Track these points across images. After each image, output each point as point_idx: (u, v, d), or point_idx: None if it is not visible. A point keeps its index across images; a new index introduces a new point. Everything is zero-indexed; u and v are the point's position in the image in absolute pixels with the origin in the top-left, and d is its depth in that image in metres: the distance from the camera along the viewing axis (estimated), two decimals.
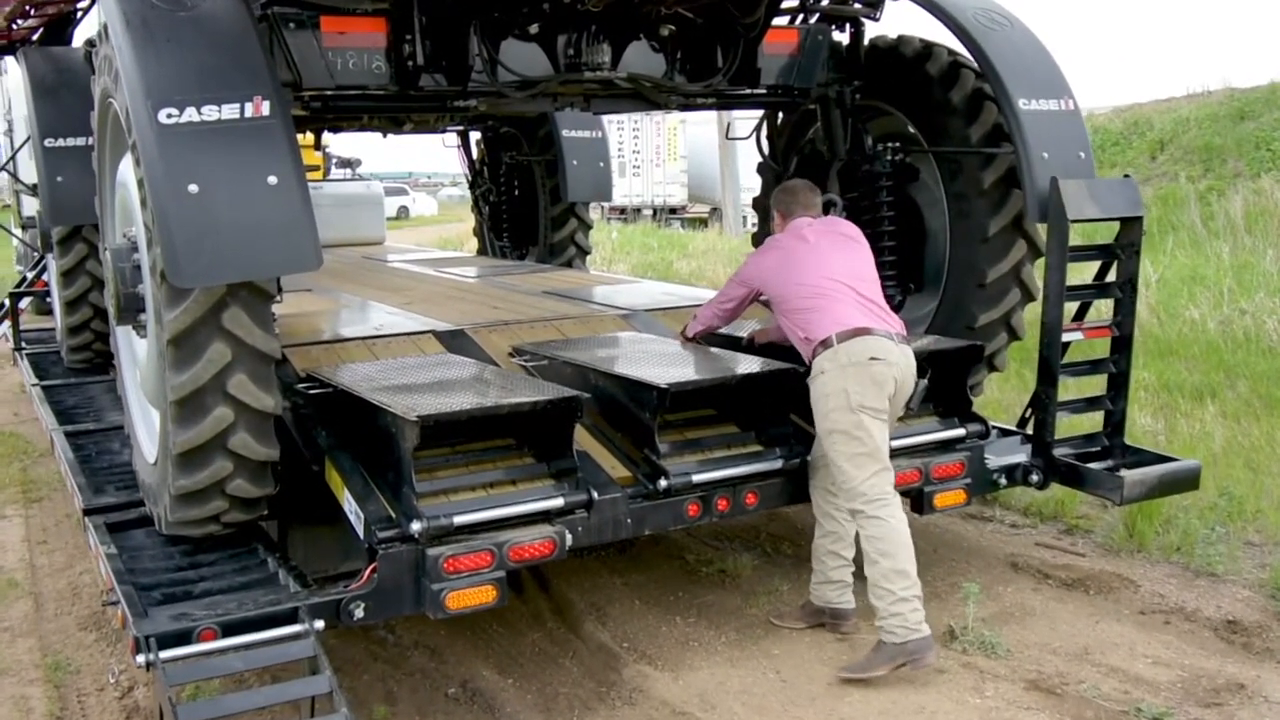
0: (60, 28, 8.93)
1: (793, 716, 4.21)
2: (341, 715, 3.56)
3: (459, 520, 4.04)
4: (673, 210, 32.78)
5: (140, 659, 3.64)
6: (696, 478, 4.56)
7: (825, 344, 4.50)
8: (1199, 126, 17.90)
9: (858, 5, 5.96)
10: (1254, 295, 10.33)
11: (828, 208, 6.29)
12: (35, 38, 9.14)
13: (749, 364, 4.95)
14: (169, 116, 3.85)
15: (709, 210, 30.99)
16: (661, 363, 4.95)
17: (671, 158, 32.91)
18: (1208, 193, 15.57)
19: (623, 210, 32.78)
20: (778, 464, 4.78)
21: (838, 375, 4.44)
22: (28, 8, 8.28)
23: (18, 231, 12.21)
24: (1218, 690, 4.29)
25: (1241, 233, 13.31)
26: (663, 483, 4.45)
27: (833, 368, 4.46)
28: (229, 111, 3.92)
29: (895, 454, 4.98)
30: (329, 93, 5.07)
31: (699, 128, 30.65)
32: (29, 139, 10.50)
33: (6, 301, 11.50)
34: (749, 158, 8.06)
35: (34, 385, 7.98)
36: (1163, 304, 10.70)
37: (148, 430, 4.98)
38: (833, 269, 4.72)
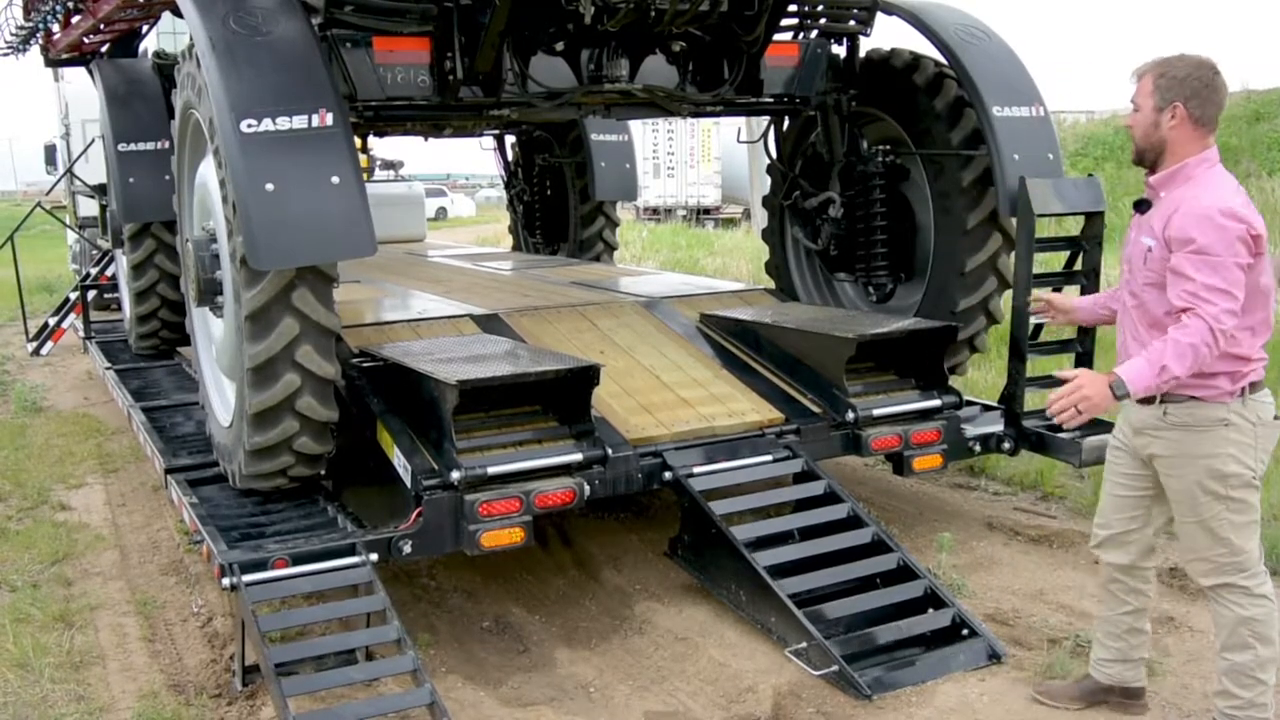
0: (127, 41, 9.66)
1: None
2: (394, 627, 4.25)
3: (492, 470, 4.71)
4: (706, 211, 33.05)
5: (225, 581, 4.34)
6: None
7: (1250, 388, 3.62)
8: None
9: (851, 22, 6.57)
10: None
11: (826, 205, 6.96)
12: (104, 50, 9.89)
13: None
14: (249, 126, 4.55)
15: (741, 211, 31.17)
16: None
17: (705, 159, 33.11)
18: None
19: (656, 211, 33.25)
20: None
21: (1251, 434, 3.62)
22: (100, 24, 9.03)
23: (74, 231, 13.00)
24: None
25: None
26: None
27: (1243, 422, 3.60)
28: (299, 122, 4.62)
29: (877, 421, 5.63)
30: (380, 103, 5.75)
31: (734, 129, 30.74)
32: (92, 143, 11.29)
33: (72, 296, 12.34)
34: None
35: (107, 369, 8.71)
36: None
37: (221, 399, 5.70)
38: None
